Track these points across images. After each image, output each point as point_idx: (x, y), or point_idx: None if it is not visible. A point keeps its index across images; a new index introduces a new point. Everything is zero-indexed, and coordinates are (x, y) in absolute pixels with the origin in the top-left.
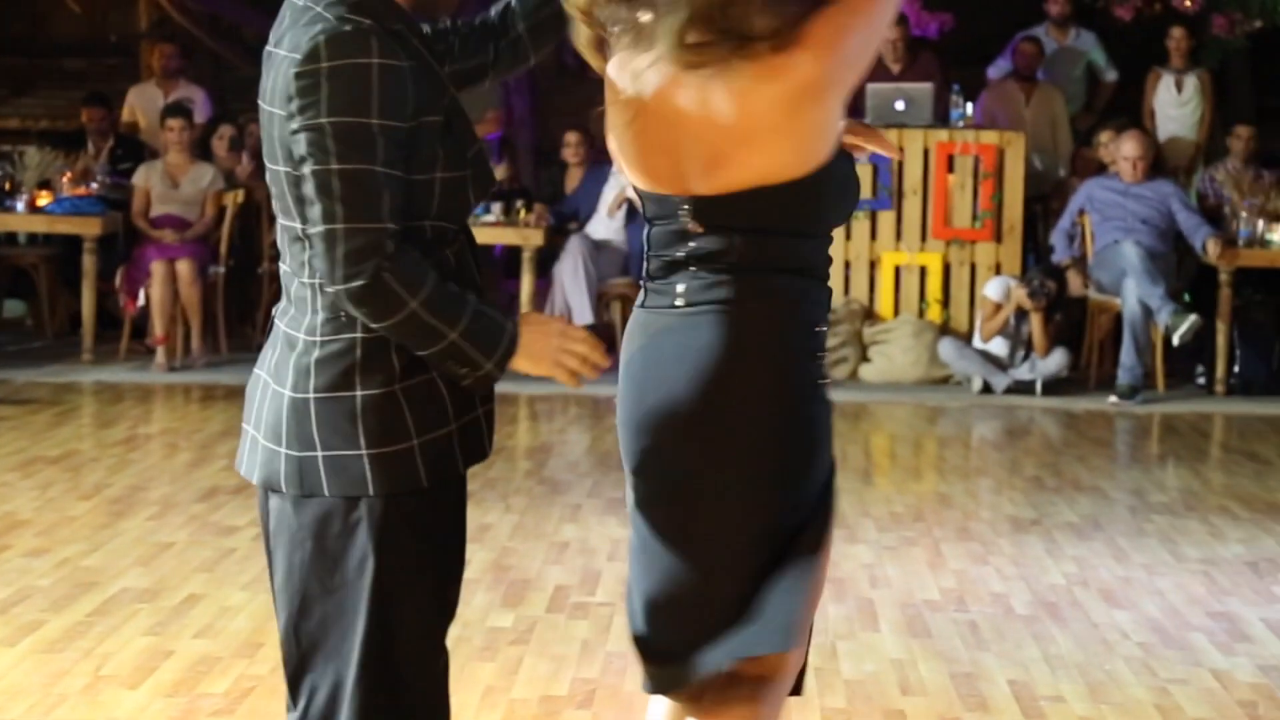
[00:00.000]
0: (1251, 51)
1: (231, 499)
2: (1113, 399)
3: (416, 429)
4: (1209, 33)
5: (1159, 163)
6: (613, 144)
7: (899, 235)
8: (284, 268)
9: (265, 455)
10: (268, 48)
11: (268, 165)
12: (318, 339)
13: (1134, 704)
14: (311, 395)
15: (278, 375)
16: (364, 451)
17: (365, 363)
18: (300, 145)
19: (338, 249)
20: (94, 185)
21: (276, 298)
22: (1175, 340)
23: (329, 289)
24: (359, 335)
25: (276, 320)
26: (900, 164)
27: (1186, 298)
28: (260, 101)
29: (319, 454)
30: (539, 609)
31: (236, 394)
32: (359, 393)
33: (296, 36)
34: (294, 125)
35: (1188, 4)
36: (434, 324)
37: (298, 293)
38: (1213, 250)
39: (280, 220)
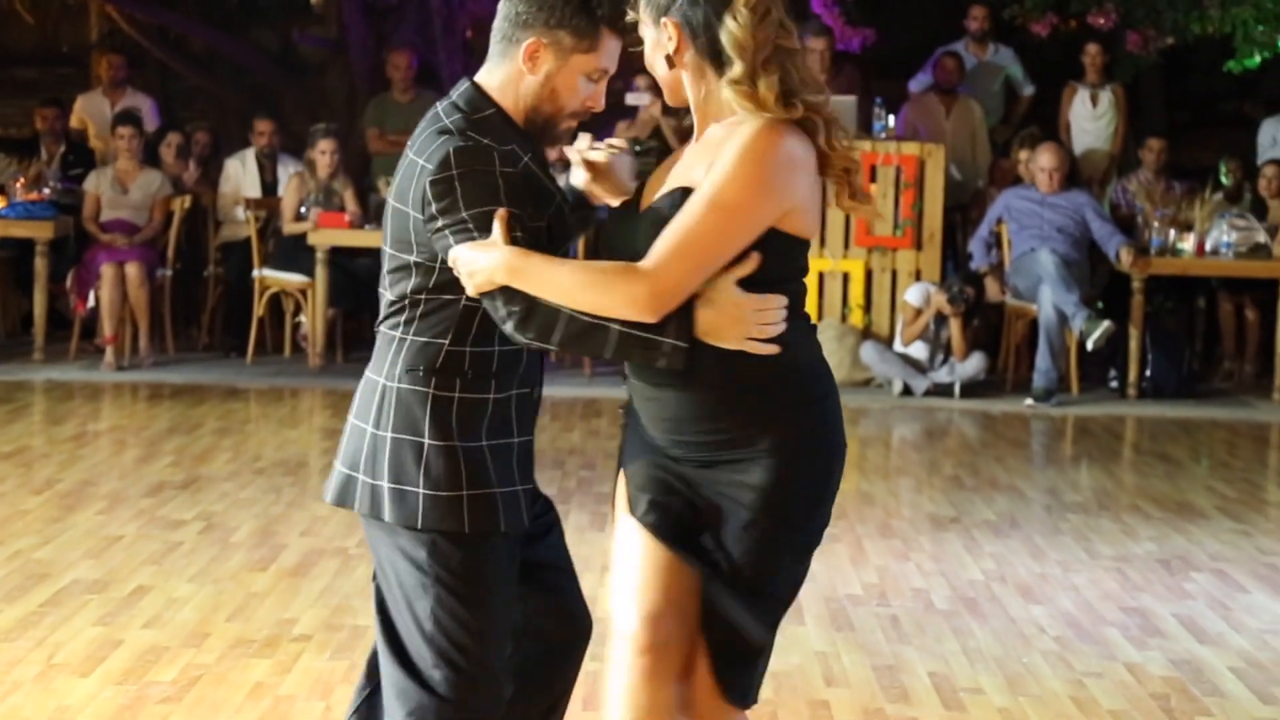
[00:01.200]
0: (1164, 67)
1: (178, 494)
2: (1028, 401)
3: (468, 482)
4: (1123, 49)
5: (1074, 174)
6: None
7: (823, 243)
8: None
9: (342, 478)
10: (406, 150)
11: (392, 252)
12: (395, 386)
13: (1050, 696)
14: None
15: (360, 412)
16: (420, 490)
17: (432, 416)
18: (447, 239)
19: (498, 302)
20: (46, 190)
21: (222, 300)
22: (1089, 345)
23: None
24: (430, 391)
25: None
26: None
27: (1100, 304)
28: (391, 199)
29: (385, 484)
30: None
31: (183, 392)
32: (425, 440)
33: (427, 145)
34: (437, 224)
35: (1102, 21)
36: (592, 322)
37: (381, 343)
38: (1125, 259)
39: (388, 292)
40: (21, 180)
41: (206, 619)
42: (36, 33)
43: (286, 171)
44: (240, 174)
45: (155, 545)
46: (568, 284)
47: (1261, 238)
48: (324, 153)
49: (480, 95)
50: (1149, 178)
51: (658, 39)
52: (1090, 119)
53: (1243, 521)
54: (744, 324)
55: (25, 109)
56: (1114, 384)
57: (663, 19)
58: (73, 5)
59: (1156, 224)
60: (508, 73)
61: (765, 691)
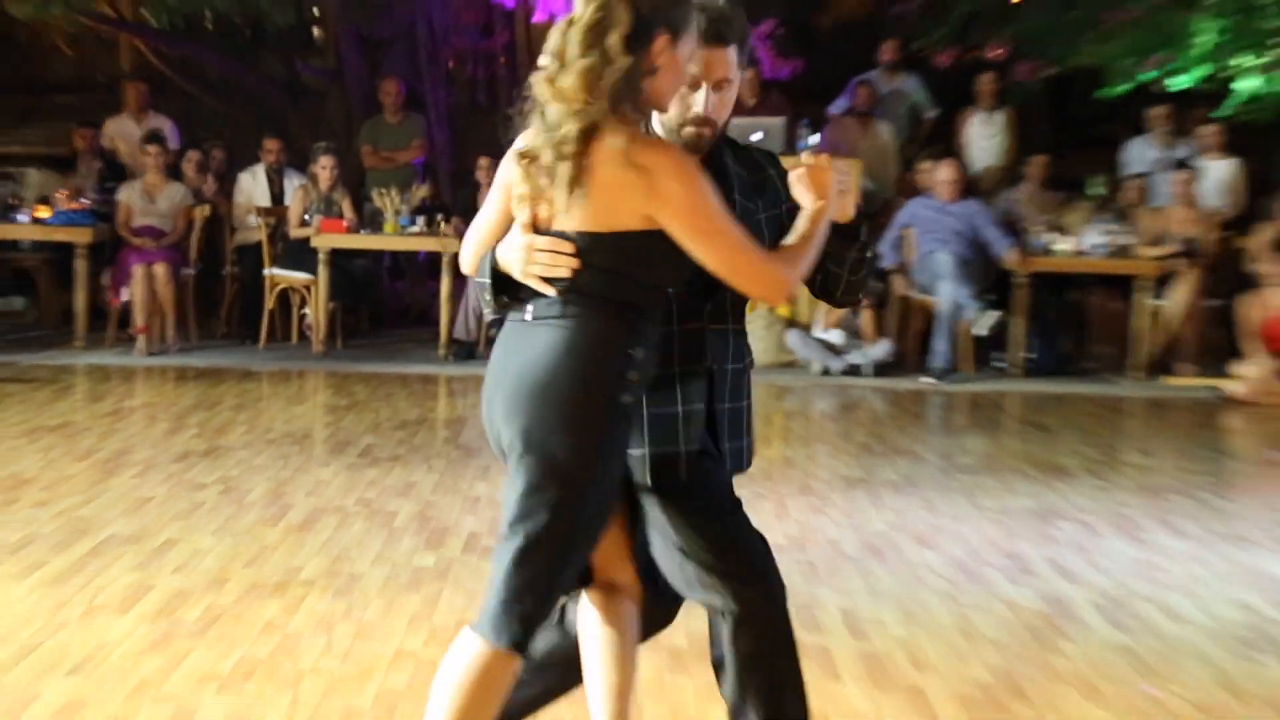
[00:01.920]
0: (1049, 93)
1: (201, 460)
2: (928, 380)
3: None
4: (1013, 78)
5: (970, 186)
6: None
7: None
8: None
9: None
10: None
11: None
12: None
13: (940, 627)
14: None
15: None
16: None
17: None
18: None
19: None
20: (84, 201)
21: (237, 295)
22: (981, 332)
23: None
24: None
25: None
26: None
27: (990, 297)
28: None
29: None
30: (456, 551)
31: (204, 374)
32: None
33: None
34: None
35: (996, 53)
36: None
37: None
38: (1011, 258)
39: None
40: (63, 192)
41: (225, 566)
42: (74, 64)
43: (292, 184)
44: (252, 186)
45: (182, 504)
46: None
47: (1124, 240)
48: (324, 168)
49: None
50: (1033, 189)
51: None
52: (984, 138)
53: (1103, 479)
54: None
55: (64, 131)
56: (1000, 365)
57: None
58: (105, 39)
59: (1038, 228)
60: None
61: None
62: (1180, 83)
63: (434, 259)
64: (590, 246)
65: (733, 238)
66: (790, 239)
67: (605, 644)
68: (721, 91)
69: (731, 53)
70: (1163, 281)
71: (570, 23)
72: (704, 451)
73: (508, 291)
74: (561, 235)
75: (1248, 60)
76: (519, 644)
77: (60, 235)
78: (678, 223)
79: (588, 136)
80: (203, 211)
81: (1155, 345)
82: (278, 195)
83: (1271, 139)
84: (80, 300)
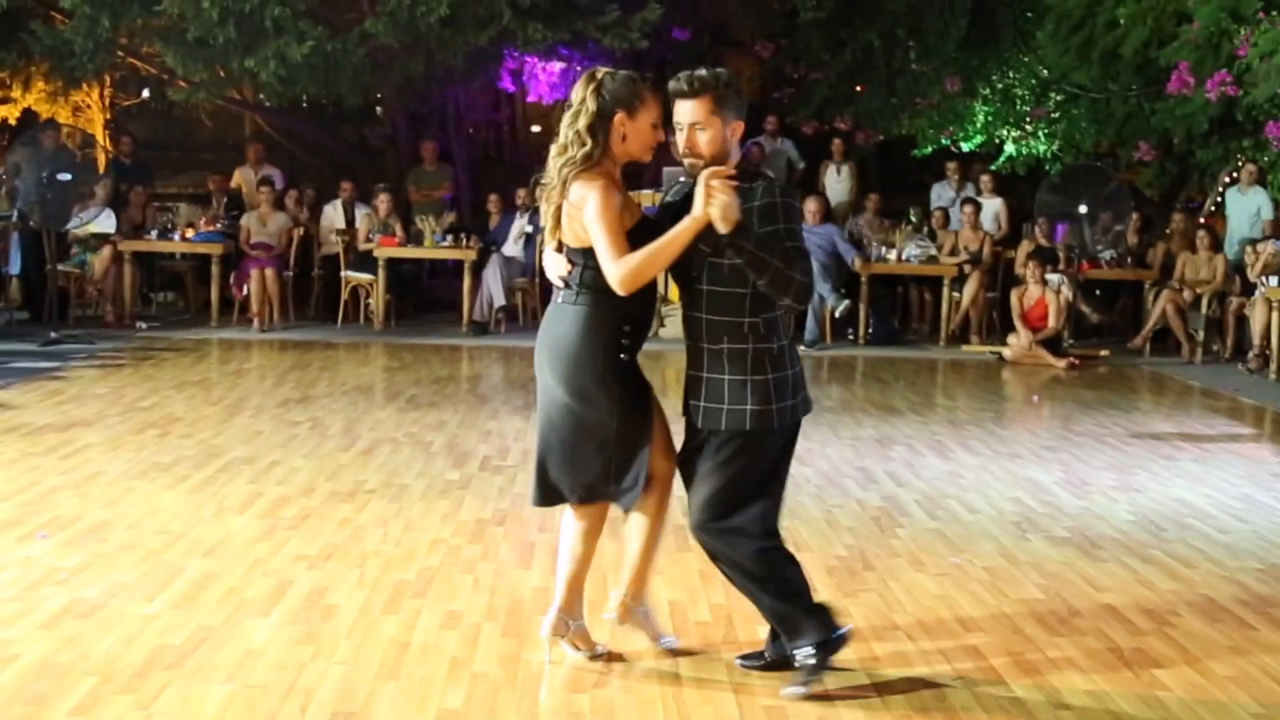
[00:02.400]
0: (879, 152)
1: (296, 405)
2: (801, 348)
3: None
4: (855, 142)
5: (829, 214)
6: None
7: None
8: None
9: None
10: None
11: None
12: None
13: (812, 519)
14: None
15: None
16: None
17: None
18: None
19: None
20: (218, 225)
21: (322, 290)
22: (837, 315)
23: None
24: None
25: None
26: None
27: (842, 290)
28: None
29: None
30: (474, 469)
31: (299, 345)
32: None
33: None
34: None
35: (843, 126)
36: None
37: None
38: (858, 264)
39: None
40: (204, 219)
41: (312, 480)
42: (212, 131)
43: (361, 213)
44: (333, 215)
45: (282, 436)
46: None
47: (932, 251)
48: (383, 201)
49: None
50: (870, 217)
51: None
52: (837, 182)
53: (922, 415)
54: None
55: (204, 177)
56: (851, 337)
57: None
58: (234, 114)
59: (874, 244)
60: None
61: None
62: (967, 146)
63: (459, 264)
64: (580, 256)
65: (603, 237)
66: (648, 245)
67: (638, 519)
68: (700, 132)
69: (696, 104)
70: (958, 279)
71: (563, 111)
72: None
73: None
74: (568, 249)
75: (1009, 132)
76: (584, 500)
77: (201, 248)
78: (586, 226)
79: (564, 187)
80: (299, 232)
81: (954, 323)
82: (350, 220)
83: (1026, 184)
84: (214, 294)
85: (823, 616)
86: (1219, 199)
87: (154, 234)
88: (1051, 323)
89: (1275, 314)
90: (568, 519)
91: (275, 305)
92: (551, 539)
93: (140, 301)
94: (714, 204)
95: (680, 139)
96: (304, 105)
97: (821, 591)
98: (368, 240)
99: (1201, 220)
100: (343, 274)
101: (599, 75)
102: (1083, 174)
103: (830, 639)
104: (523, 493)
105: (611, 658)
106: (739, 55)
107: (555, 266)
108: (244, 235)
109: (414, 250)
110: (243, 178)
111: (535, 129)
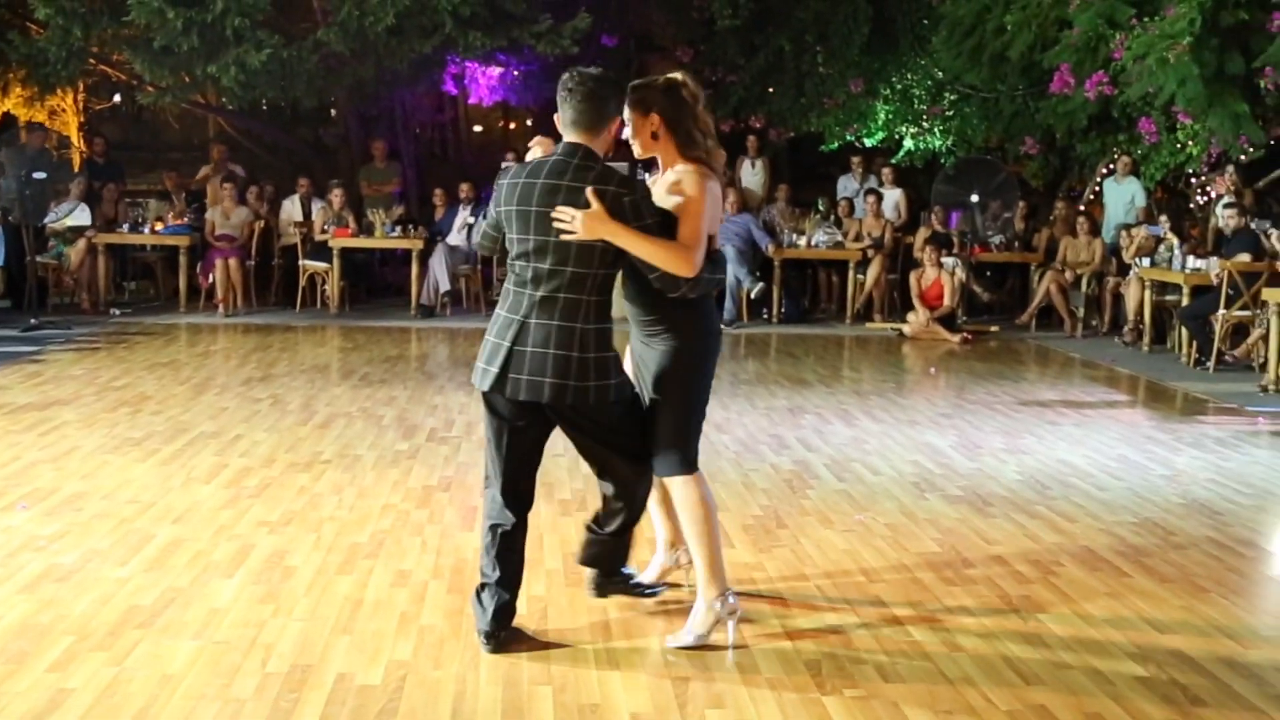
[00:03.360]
0: (790, 147)
1: (259, 383)
2: (721, 325)
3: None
4: (769, 138)
5: (744, 204)
6: None
7: None
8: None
9: None
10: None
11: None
12: None
13: (730, 481)
14: None
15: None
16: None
17: None
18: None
19: None
20: (185, 219)
21: (282, 278)
22: (752, 296)
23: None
24: None
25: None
26: None
27: (757, 273)
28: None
29: None
30: (422, 440)
31: (261, 328)
32: None
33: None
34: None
35: (757, 124)
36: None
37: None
38: (771, 250)
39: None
40: (172, 213)
41: (273, 452)
42: (179, 133)
43: (317, 207)
44: (291, 208)
45: (245, 411)
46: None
47: (839, 238)
48: (336, 196)
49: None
50: (783, 207)
51: (646, 123)
52: (751, 176)
53: (830, 387)
54: None
55: (170, 176)
56: (765, 315)
57: (651, 113)
58: (199, 116)
59: (786, 231)
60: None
61: (579, 484)
62: (869, 141)
63: (407, 253)
64: None
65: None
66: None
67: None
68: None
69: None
70: (862, 263)
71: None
72: None
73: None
74: None
75: (907, 129)
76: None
77: (169, 240)
78: None
79: None
80: (260, 225)
81: (859, 303)
82: (308, 214)
83: (923, 176)
84: (182, 281)
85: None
86: (1097, 188)
87: (125, 227)
88: (947, 302)
89: (1147, 292)
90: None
91: (239, 292)
92: None
93: (114, 290)
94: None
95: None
96: (264, 108)
97: (738, 548)
98: (323, 232)
99: (1081, 208)
100: (301, 263)
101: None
102: (974, 166)
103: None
104: (466, 461)
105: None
106: (662, 59)
107: None
108: (209, 228)
109: (366, 240)
110: (207, 175)
111: (478, 129)
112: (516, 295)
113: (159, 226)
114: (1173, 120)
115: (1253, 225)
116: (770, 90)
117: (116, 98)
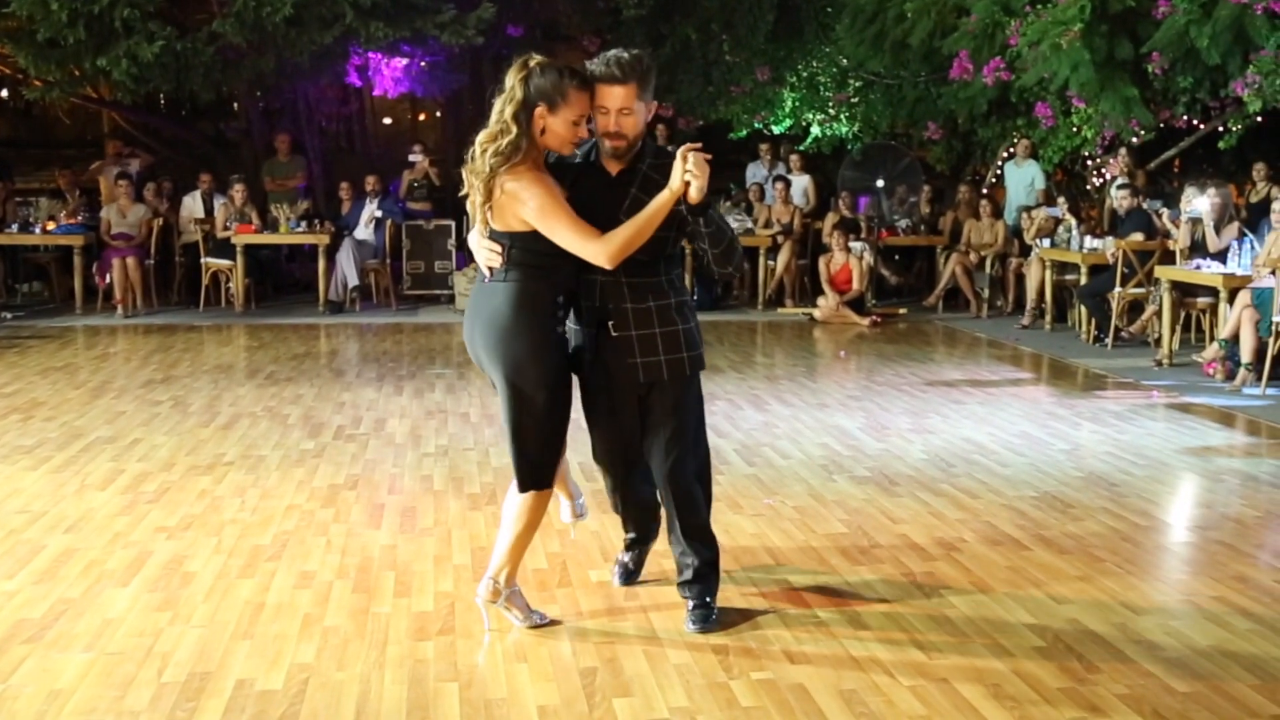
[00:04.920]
0: (699, 135)
1: (159, 385)
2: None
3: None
4: (677, 126)
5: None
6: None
7: None
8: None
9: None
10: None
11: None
12: None
13: None
14: None
15: None
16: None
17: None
18: None
19: None
20: (79, 217)
21: (184, 276)
22: None
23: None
24: None
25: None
26: None
27: None
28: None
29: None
30: (329, 438)
31: (163, 329)
32: None
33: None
34: None
35: (665, 112)
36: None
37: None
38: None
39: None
40: (65, 212)
41: (173, 455)
42: (71, 129)
43: (219, 202)
44: (192, 205)
45: (144, 415)
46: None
47: (749, 224)
48: (239, 191)
49: None
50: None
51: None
52: None
53: (741, 373)
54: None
55: (65, 172)
56: None
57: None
58: (92, 112)
59: None
60: None
61: (489, 475)
62: (777, 129)
63: (314, 248)
64: (508, 239)
65: (565, 225)
66: (630, 220)
67: (529, 500)
68: (626, 116)
69: (625, 90)
70: (772, 249)
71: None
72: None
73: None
74: (493, 232)
75: (814, 116)
76: (536, 487)
77: (63, 240)
78: (535, 224)
79: (491, 176)
80: (159, 222)
81: (770, 289)
82: (209, 210)
83: (830, 162)
84: (78, 283)
85: None
86: (998, 171)
87: (15, 227)
88: (856, 285)
89: (1047, 272)
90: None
91: (138, 292)
92: (400, 500)
93: (5, 293)
94: (695, 179)
95: (607, 121)
96: (161, 102)
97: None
98: (226, 228)
99: (984, 191)
100: (203, 260)
101: (530, 64)
102: (880, 152)
103: None
104: (374, 458)
105: (552, 623)
106: (568, 49)
107: (485, 253)
108: (104, 226)
109: (270, 236)
110: (102, 172)
111: (386, 121)
112: None
113: (51, 226)
114: (1067, 104)
115: (1145, 205)
116: (678, 79)
117: (3, 93)
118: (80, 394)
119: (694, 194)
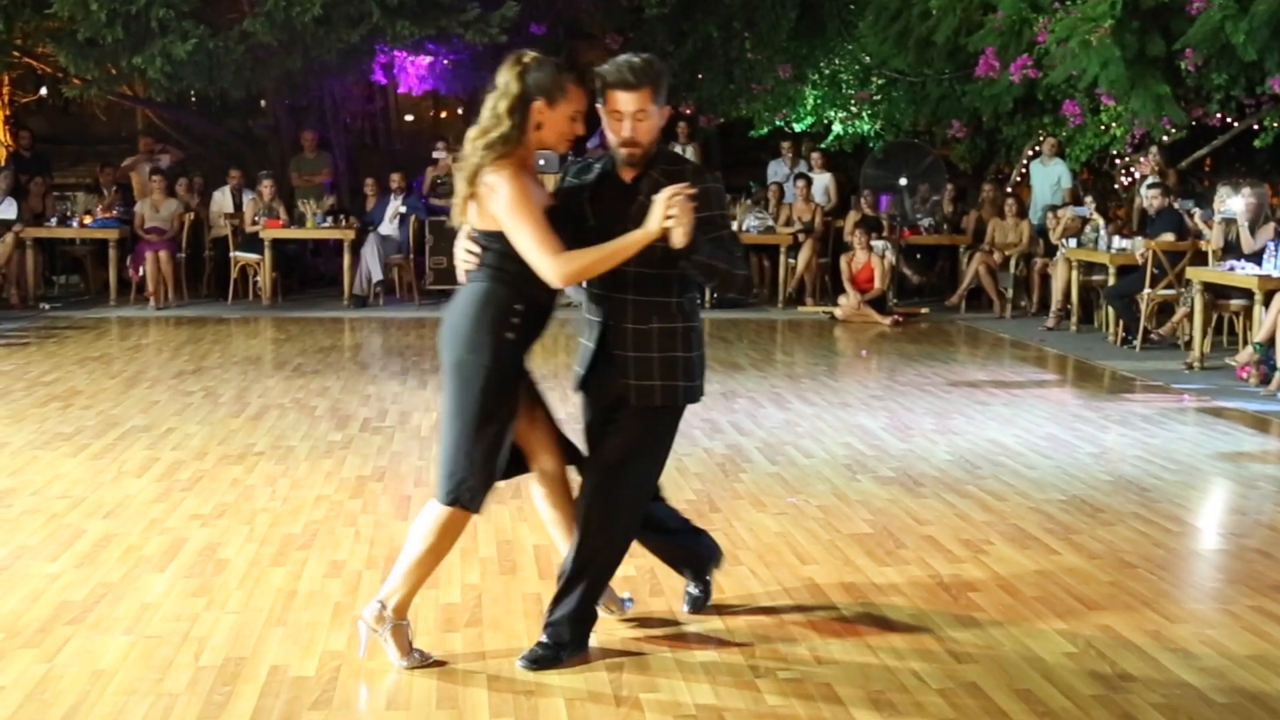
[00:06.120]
0: (721, 133)
1: (190, 376)
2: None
3: None
4: (698, 124)
5: None
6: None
7: None
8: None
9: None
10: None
11: None
12: None
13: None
14: None
15: None
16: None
17: None
18: None
19: None
20: (114, 212)
21: (214, 269)
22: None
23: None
24: None
25: None
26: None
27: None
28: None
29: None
30: (355, 430)
31: (193, 321)
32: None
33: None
34: None
35: (687, 110)
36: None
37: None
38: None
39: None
40: (101, 206)
41: (205, 444)
42: (107, 125)
43: (248, 198)
44: (222, 200)
45: (177, 404)
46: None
47: (770, 222)
48: (267, 187)
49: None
50: None
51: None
52: None
53: (763, 371)
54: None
55: (97, 168)
56: (698, 301)
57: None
58: (127, 109)
59: None
60: None
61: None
62: (799, 127)
63: (339, 243)
64: (485, 238)
65: (530, 231)
66: (598, 245)
67: (551, 513)
68: (640, 121)
69: (638, 95)
70: (793, 247)
71: (487, 95)
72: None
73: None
74: (477, 234)
75: (836, 113)
76: (457, 502)
77: (99, 234)
78: (500, 221)
79: (477, 169)
80: (190, 217)
81: (790, 287)
82: (239, 205)
83: (852, 160)
84: (112, 276)
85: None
86: (1024, 170)
87: (54, 221)
88: (877, 284)
89: (1074, 272)
90: (539, 501)
91: (169, 285)
92: (426, 492)
93: (43, 284)
94: (677, 226)
95: (622, 127)
96: (192, 99)
97: None
98: (254, 223)
99: (1009, 190)
100: (232, 254)
101: (525, 59)
102: (902, 150)
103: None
104: (400, 450)
105: (436, 663)
106: (590, 47)
107: (462, 254)
108: (138, 221)
109: (297, 231)
110: (136, 167)
111: (408, 118)
112: None
113: (88, 220)
114: (1096, 102)
115: (1176, 205)
116: (699, 76)
117: (43, 91)
118: (116, 383)
119: (677, 240)
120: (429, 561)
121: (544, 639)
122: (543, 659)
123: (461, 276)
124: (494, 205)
